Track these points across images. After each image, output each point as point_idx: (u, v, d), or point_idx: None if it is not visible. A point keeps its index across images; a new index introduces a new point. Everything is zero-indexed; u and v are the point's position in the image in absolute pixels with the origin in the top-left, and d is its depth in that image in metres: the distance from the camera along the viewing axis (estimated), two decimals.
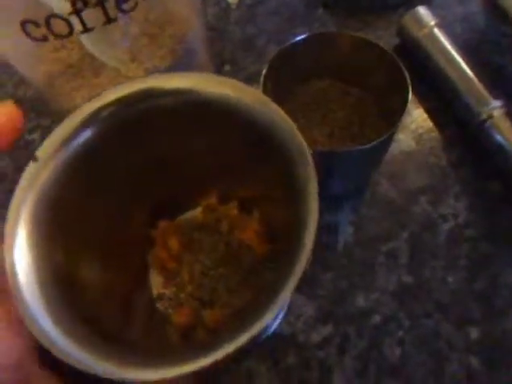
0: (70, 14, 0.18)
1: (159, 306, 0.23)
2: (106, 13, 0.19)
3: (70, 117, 0.16)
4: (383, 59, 0.23)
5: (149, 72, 0.24)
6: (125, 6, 0.19)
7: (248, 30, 0.34)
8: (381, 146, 0.22)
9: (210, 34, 0.34)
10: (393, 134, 0.22)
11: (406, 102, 0.21)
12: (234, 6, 0.36)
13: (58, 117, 0.19)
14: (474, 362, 0.21)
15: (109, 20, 0.19)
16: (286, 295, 0.13)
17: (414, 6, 0.31)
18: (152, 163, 0.19)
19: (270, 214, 0.23)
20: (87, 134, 0.16)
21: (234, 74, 0.32)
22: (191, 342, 0.21)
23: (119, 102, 0.16)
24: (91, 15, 0.19)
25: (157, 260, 0.23)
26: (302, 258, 0.13)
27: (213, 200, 0.24)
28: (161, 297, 0.23)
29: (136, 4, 0.20)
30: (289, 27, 0.34)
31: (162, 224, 0.23)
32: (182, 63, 0.26)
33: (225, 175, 0.22)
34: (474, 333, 0.22)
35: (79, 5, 0.18)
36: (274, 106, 0.16)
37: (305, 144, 0.16)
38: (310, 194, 0.14)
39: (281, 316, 0.24)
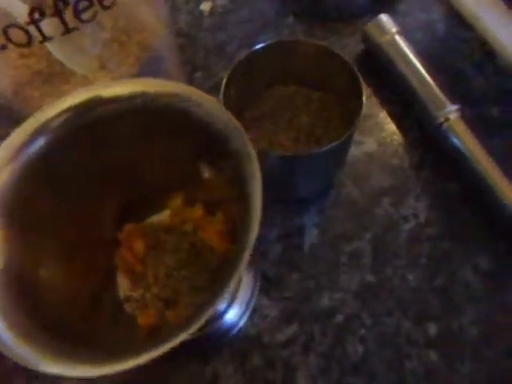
0: (28, 24, 0.18)
1: (127, 307, 0.23)
2: (64, 23, 0.19)
3: (23, 125, 0.16)
4: (343, 67, 0.24)
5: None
6: (84, 16, 0.20)
7: (219, 36, 0.35)
8: (340, 147, 0.23)
9: (182, 41, 0.35)
10: (350, 135, 0.22)
11: (360, 107, 0.22)
12: (206, 14, 0.37)
13: None
14: (433, 356, 0.22)
15: (68, 30, 0.20)
16: (223, 297, 0.14)
17: (380, 13, 0.32)
18: (112, 169, 0.20)
19: (232, 215, 0.24)
20: (40, 142, 0.16)
21: (205, 80, 0.33)
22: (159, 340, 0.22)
23: (70, 110, 0.16)
24: (50, 25, 0.19)
25: (123, 262, 0.23)
26: (242, 261, 0.14)
27: (178, 202, 0.24)
28: (128, 298, 0.23)
29: (95, 14, 0.20)
30: (259, 34, 0.34)
31: (128, 227, 0.23)
32: (149, 71, 0.26)
33: (187, 178, 0.22)
34: (433, 328, 0.23)
35: (36, 15, 0.18)
36: (223, 110, 0.17)
37: (250, 145, 0.16)
38: (253, 194, 0.15)
39: (246, 315, 0.24)
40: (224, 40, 0.34)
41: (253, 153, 0.16)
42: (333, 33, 0.34)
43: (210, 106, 0.17)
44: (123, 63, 0.26)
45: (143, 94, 0.17)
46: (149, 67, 0.27)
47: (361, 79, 0.23)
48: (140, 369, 0.12)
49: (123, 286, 0.23)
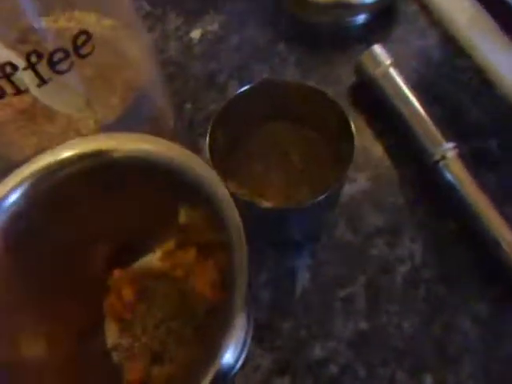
0: (0, 77, 0.18)
1: (114, 356, 0.22)
2: (38, 75, 0.18)
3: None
4: (331, 106, 0.23)
5: (99, 124, 0.24)
6: (59, 67, 0.19)
7: (210, 65, 0.34)
8: (329, 198, 0.22)
9: (172, 70, 0.34)
10: (342, 182, 0.22)
11: (352, 153, 0.21)
12: (196, 42, 0.36)
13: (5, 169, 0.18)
14: None
15: (43, 81, 0.19)
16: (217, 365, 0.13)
17: (374, 40, 0.31)
18: (95, 223, 0.19)
19: (222, 262, 0.23)
20: (16, 200, 0.16)
21: (195, 113, 0.32)
22: None
23: (36, 174, 0.16)
24: (24, 78, 0.18)
25: (112, 309, 0.23)
26: (235, 321, 0.13)
27: (171, 245, 0.24)
28: (116, 347, 0.22)
29: (72, 64, 0.19)
30: (250, 63, 0.34)
31: (116, 273, 0.23)
32: (134, 110, 0.26)
33: (175, 224, 0.22)
34: (428, 381, 0.22)
35: (8, 69, 0.17)
36: (196, 159, 0.16)
37: (227, 194, 0.15)
38: (237, 243, 0.14)
39: (240, 361, 0.23)
40: (214, 69, 0.34)
41: (229, 199, 0.15)
42: (325, 62, 0.33)
43: (182, 158, 0.16)
44: (108, 103, 0.26)
45: (106, 152, 0.16)
46: (135, 106, 0.26)
47: (351, 122, 0.22)
48: None
49: (111, 333, 0.23)
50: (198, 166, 0.16)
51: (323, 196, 0.20)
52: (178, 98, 0.32)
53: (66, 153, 0.17)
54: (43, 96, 0.24)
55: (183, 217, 0.21)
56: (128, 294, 0.22)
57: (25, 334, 0.18)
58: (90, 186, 0.18)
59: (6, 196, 0.16)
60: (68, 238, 0.19)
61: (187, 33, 0.36)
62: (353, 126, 0.21)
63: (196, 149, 0.27)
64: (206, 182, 0.16)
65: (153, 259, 0.24)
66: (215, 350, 0.14)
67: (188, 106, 0.32)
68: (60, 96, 0.25)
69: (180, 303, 0.23)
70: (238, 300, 0.14)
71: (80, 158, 0.17)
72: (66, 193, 0.18)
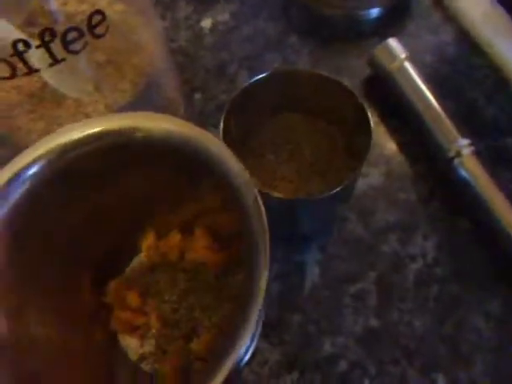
0: (11, 55, 0.17)
1: (144, 366, 0.21)
2: (51, 54, 0.18)
3: None
4: (347, 97, 0.22)
5: (109, 108, 0.24)
6: (73, 47, 0.18)
7: (220, 56, 0.33)
8: (344, 189, 0.21)
9: (182, 60, 0.33)
10: (356, 177, 0.21)
11: (368, 145, 0.21)
12: (207, 31, 0.35)
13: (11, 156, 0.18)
14: None
15: (56, 61, 0.18)
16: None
17: (388, 34, 0.31)
18: (85, 219, 0.18)
19: (213, 225, 0.22)
20: (16, 194, 0.15)
21: (205, 103, 0.31)
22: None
23: (44, 157, 0.15)
24: (36, 56, 0.18)
25: (122, 323, 0.22)
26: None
27: (151, 239, 0.23)
28: (142, 358, 0.22)
29: (86, 44, 0.19)
30: (261, 54, 0.33)
31: (112, 284, 0.22)
32: (144, 97, 0.25)
33: (161, 209, 0.21)
34: (441, 380, 0.22)
35: (20, 46, 0.17)
36: (213, 138, 0.16)
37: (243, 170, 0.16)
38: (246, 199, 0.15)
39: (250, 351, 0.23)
40: (225, 59, 0.33)
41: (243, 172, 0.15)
42: (339, 55, 0.33)
43: (199, 137, 0.16)
44: (117, 88, 0.25)
45: (120, 131, 0.16)
46: (145, 93, 0.25)
47: (369, 114, 0.21)
48: None
49: (132, 347, 0.22)
50: (214, 145, 0.16)
51: (338, 189, 0.20)
52: (187, 88, 0.32)
53: (82, 132, 0.16)
54: (53, 78, 0.23)
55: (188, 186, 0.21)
56: (133, 299, 0.22)
57: (32, 310, 0.17)
58: (106, 165, 0.17)
59: (20, 172, 0.15)
60: (75, 221, 0.19)
61: (198, 22, 0.35)
62: (371, 118, 0.21)
63: None
64: (221, 159, 0.16)
65: (140, 260, 0.24)
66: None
67: (198, 95, 0.32)
68: (69, 79, 0.24)
69: (188, 280, 0.22)
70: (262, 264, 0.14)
71: (98, 136, 0.16)
72: (80, 173, 0.17)
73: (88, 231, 0.19)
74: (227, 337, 0.20)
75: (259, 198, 0.15)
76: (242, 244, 0.16)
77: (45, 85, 0.24)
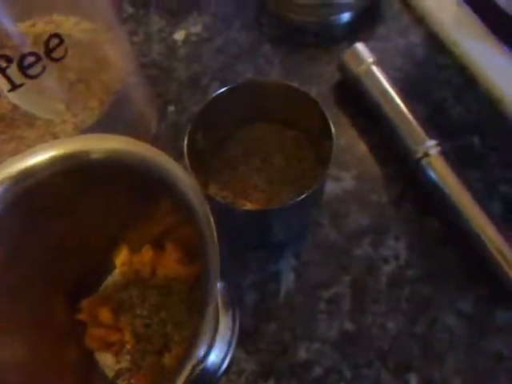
0: None
1: (120, 382, 0.21)
2: (9, 80, 0.18)
3: None
4: (312, 106, 0.23)
5: (77, 129, 0.24)
6: (31, 72, 0.19)
7: (193, 68, 0.34)
8: (313, 195, 0.22)
9: (155, 73, 0.34)
10: (323, 181, 0.22)
11: (330, 152, 0.21)
12: (180, 44, 0.36)
13: None
14: None
15: (14, 86, 0.19)
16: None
17: (359, 38, 0.31)
18: (53, 244, 0.19)
19: (181, 239, 0.23)
20: None
21: (178, 115, 0.32)
22: None
23: (7, 180, 0.16)
24: None
25: (96, 340, 0.22)
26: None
27: (125, 254, 0.24)
28: (119, 374, 0.22)
29: (44, 68, 0.19)
30: (233, 64, 0.33)
31: (85, 302, 0.22)
32: (113, 114, 0.25)
33: (130, 226, 0.22)
34: (414, 380, 0.22)
35: None
36: (162, 155, 0.16)
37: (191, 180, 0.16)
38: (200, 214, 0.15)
39: (225, 364, 0.23)
40: (198, 71, 0.33)
41: (194, 185, 0.16)
42: (310, 61, 0.33)
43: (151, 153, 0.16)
44: (87, 106, 0.25)
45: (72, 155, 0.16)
46: (114, 110, 0.26)
47: (330, 121, 0.22)
48: None
49: (108, 363, 0.22)
50: (164, 161, 0.16)
51: (304, 196, 0.20)
52: (161, 101, 0.32)
53: (38, 157, 0.16)
54: (22, 101, 0.24)
55: (146, 207, 0.21)
56: (106, 316, 0.22)
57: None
58: (65, 189, 0.18)
59: None
60: (41, 249, 0.19)
61: (171, 34, 0.36)
62: (332, 124, 0.21)
63: (180, 152, 0.27)
64: (170, 173, 0.16)
65: (114, 276, 0.24)
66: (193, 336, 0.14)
67: (171, 108, 0.32)
68: (39, 101, 0.25)
69: (161, 295, 0.23)
70: (212, 268, 0.15)
71: (52, 162, 0.16)
72: (41, 198, 0.17)
73: (58, 253, 0.20)
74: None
75: (209, 212, 0.15)
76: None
77: (15, 107, 0.25)
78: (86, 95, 0.26)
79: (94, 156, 0.16)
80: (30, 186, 0.16)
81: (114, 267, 0.24)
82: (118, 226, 0.22)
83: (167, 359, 0.21)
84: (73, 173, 0.16)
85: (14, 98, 0.23)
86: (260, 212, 0.22)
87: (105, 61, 0.27)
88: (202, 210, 0.16)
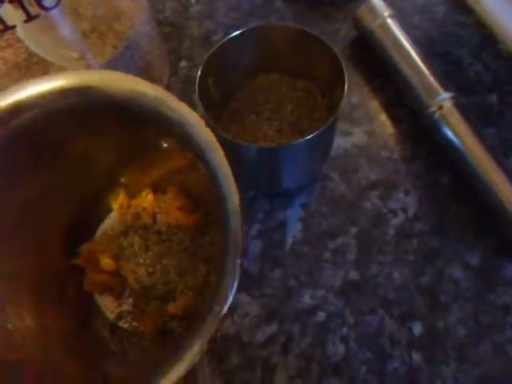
0: None
1: (122, 324, 0.22)
2: (25, 10, 0.18)
3: None
4: (325, 52, 0.22)
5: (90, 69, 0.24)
6: (46, 3, 0.19)
7: (206, 25, 0.33)
8: (323, 137, 0.21)
9: (168, 30, 0.34)
10: (333, 124, 0.21)
11: (342, 96, 0.20)
12: (193, 1, 0.35)
13: None
14: (416, 357, 0.21)
15: (30, 17, 0.19)
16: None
17: None
18: (44, 185, 0.18)
19: (184, 184, 0.22)
20: None
21: (190, 70, 0.31)
22: (166, 341, 0.21)
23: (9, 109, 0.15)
24: (10, 12, 0.18)
25: (96, 285, 0.22)
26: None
27: (122, 197, 0.23)
28: (120, 316, 0.22)
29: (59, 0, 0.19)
30: (246, 21, 0.33)
31: (85, 248, 0.22)
32: (125, 58, 0.25)
33: (130, 168, 0.21)
34: (417, 328, 0.22)
35: None
36: (178, 102, 0.16)
37: (212, 135, 0.15)
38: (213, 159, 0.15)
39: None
40: (210, 28, 0.33)
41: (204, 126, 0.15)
42: (324, 18, 0.32)
43: (165, 97, 0.16)
44: (101, 52, 0.25)
45: (80, 89, 0.16)
46: (127, 57, 0.26)
47: (343, 65, 0.21)
48: None
49: (108, 306, 0.22)
50: (171, 101, 0.16)
51: (312, 135, 0.20)
52: (173, 57, 0.32)
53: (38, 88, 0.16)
54: (40, 50, 0.24)
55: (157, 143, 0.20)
56: (107, 262, 0.22)
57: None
58: (68, 124, 0.17)
59: None
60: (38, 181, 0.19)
61: None
62: (344, 67, 0.21)
63: (192, 105, 0.27)
64: (179, 110, 0.16)
65: (111, 219, 0.24)
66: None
67: (183, 63, 0.32)
68: (55, 49, 0.25)
69: (162, 243, 0.23)
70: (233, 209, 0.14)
71: (56, 94, 0.16)
72: (40, 134, 0.17)
73: (55, 195, 0.20)
74: (204, 297, 0.20)
75: (226, 159, 0.15)
76: (213, 204, 0.16)
77: (30, 55, 0.25)
78: (99, 44, 0.26)
79: (96, 90, 0.15)
80: (25, 120, 0.16)
81: (111, 210, 0.24)
82: (115, 170, 0.21)
83: (172, 308, 0.21)
84: (73, 108, 0.16)
85: (28, 39, 0.23)
86: (269, 149, 0.22)
87: (118, 9, 0.26)
88: (219, 158, 0.15)
